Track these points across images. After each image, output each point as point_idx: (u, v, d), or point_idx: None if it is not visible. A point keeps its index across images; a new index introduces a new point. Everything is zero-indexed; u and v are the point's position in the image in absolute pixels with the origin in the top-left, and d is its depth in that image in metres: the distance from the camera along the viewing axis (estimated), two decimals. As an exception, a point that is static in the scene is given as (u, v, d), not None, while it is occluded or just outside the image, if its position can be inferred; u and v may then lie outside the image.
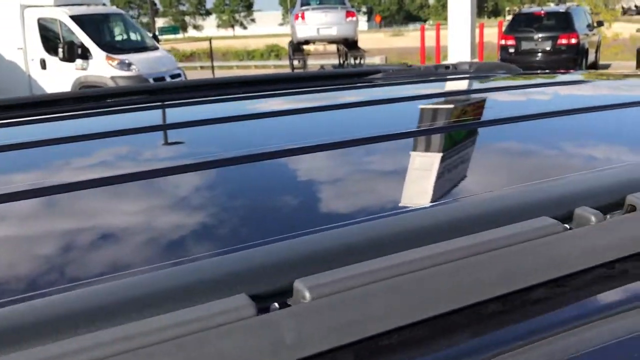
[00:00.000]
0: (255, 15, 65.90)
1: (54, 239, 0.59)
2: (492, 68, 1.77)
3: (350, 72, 1.71)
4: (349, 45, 16.15)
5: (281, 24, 59.94)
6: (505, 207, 0.50)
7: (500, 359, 0.35)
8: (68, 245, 0.57)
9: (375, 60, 22.52)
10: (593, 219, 0.48)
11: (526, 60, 13.48)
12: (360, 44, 15.96)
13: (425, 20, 63.44)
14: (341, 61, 16.67)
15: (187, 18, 63.26)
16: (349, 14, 15.99)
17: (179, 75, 11.20)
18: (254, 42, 32.05)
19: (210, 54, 19.19)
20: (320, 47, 17.90)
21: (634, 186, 0.53)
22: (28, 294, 0.46)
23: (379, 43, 38.59)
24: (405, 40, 31.70)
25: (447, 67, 1.72)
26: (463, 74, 1.69)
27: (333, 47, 17.32)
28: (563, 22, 13.68)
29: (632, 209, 0.49)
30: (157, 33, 16.04)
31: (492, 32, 17.08)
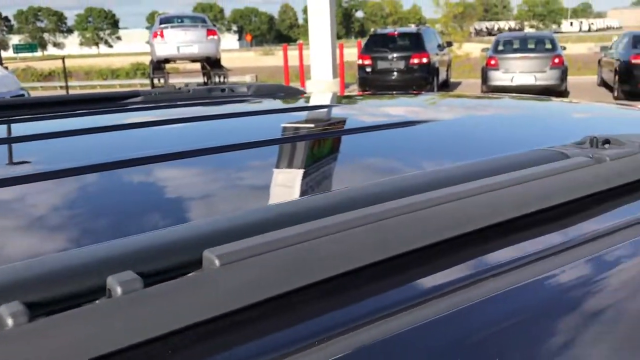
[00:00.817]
0: (121, 32, 63.69)
1: None
2: (271, 90, 1.72)
3: (107, 95, 1.59)
4: (212, 63, 15.99)
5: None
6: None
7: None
8: None
9: (246, 78, 22.62)
10: None
11: (383, 79, 14.06)
12: (231, 63, 15.91)
13: (295, 40, 64.87)
14: (205, 80, 16.45)
15: (46, 35, 59.77)
16: (210, 32, 15.85)
17: (22, 96, 10.43)
18: (120, 60, 30.94)
19: (64, 73, 18.12)
20: (182, 65, 17.64)
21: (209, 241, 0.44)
22: None
23: (250, 62, 38.85)
24: (276, 59, 32.00)
25: (222, 89, 1.64)
26: (239, 96, 1.63)
27: (196, 66, 17.07)
28: (415, 42, 14.44)
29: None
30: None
31: (354, 52, 17.66)
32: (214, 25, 17.80)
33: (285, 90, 1.73)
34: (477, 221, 0.50)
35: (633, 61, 12.58)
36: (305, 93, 1.72)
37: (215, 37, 16.02)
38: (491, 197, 0.52)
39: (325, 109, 1.50)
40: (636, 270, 0.50)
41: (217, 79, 15.48)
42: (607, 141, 0.70)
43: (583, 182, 0.59)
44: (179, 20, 16.31)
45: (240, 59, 41.66)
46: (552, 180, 0.57)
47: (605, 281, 0.48)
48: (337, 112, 1.51)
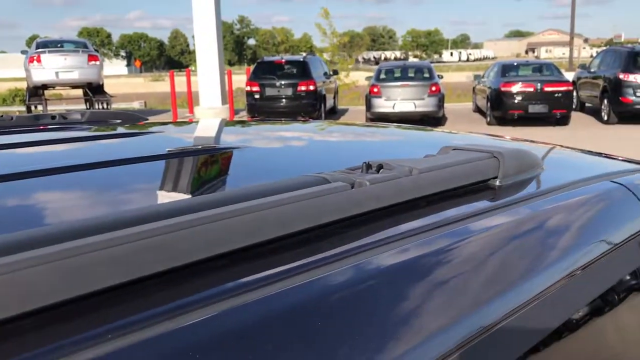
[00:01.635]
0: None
1: None
2: (107, 116, 1.67)
3: None
4: (94, 90, 15.40)
5: (29, 67, 55.07)
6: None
7: None
8: None
9: (134, 105, 21.98)
10: None
11: (271, 106, 14.19)
12: (119, 89, 15.37)
13: (187, 66, 63.91)
14: (87, 106, 15.77)
15: None
16: (91, 57, 15.29)
17: None
18: (-4, 85, 28.96)
19: None
20: (66, 91, 16.81)
21: None
22: None
23: (139, 88, 37.76)
24: (166, 85, 31.31)
25: (53, 116, 1.57)
26: (69, 123, 1.56)
27: (79, 92, 16.36)
28: (301, 70, 14.72)
29: None
30: None
31: (244, 79, 17.68)
32: (97, 51, 17.18)
33: (125, 117, 1.68)
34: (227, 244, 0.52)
35: (502, 89, 13.55)
36: (146, 120, 1.68)
37: (98, 62, 15.46)
38: (236, 221, 0.54)
39: (139, 136, 1.44)
40: (372, 284, 0.55)
41: (99, 106, 14.91)
42: (380, 166, 0.74)
43: (335, 206, 0.62)
44: (59, 45, 15.61)
45: (129, 84, 40.33)
46: (304, 204, 0.60)
47: (350, 295, 0.53)
48: (149, 139, 1.44)
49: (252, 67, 16.05)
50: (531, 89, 13.35)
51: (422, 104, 13.58)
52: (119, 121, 1.65)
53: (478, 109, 16.07)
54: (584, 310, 0.74)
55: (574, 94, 15.36)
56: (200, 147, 1.24)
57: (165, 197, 0.81)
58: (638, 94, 13.19)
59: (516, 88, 13.42)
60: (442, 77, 15.41)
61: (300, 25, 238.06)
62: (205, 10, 14.74)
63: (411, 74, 14.67)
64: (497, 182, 0.81)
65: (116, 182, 0.89)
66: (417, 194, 0.70)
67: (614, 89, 13.58)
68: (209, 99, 15.43)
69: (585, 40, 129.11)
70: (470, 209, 0.73)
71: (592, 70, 15.42)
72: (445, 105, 14.72)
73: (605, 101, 13.96)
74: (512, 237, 0.71)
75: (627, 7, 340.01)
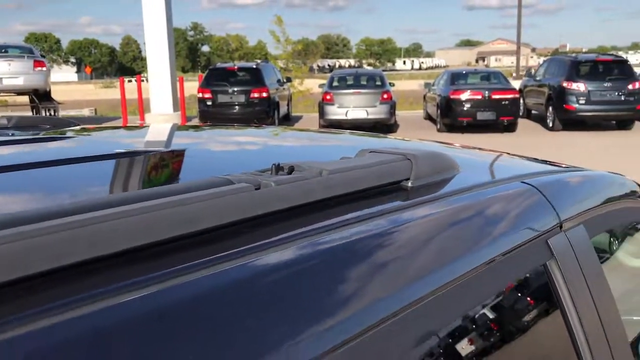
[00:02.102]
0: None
1: None
2: (36, 122, 1.64)
3: None
4: (40, 96, 14.99)
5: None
6: None
7: None
8: None
9: (84, 112, 21.50)
10: None
11: (223, 112, 14.10)
12: (68, 96, 14.97)
13: (139, 73, 62.87)
14: (34, 113, 15.33)
15: None
16: (37, 63, 14.88)
17: None
18: None
19: None
20: (12, 98, 16.30)
21: None
22: None
23: (89, 94, 36.97)
24: (117, 92, 30.75)
25: None
26: None
27: (26, 99, 15.89)
28: (254, 77, 14.70)
29: None
30: None
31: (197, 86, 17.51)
32: (43, 56, 16.72)
33: (55, 123, 1.64)
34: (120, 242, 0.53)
35: (452, 97, 13.84)
36: (78, 125, 1.65)
37: (44, 68, 15.06)
38: (145, 218, 0.55)
39: (64, 140, 1.41)
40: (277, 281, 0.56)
41: (45, 113, 14.51)
42: (292, 168, 0.76)
43: (238, 206, 0.63)
44: (3, 50, 15.13)
45: (79, 91, 39.41)
46: (206, 204, 0.61)
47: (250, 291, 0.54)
48: (71, 143, 1.41)
49: (204, 74, 15.92)
50: (479, 97, 13.67)
51: (374, 112, 13.74)
52: (47, 127, 1.62)
53: (429, 117, 16.34)
54: (488, 305, 0.77)
55: (521, 101, 15.81)
56: (124, 150, 1.23)
57: (67, 198, 0.81)
58: (581, 102, 13.67)
59: (465, 96, 13.73)
60: (393, 85, 15.63)
61: (255, 32, 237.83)
62: (156, 16, 14.57)
63: (363, 82, 14.83)
64: (409, 184, 0.84)
65: (20, 184, 0.88)
66: (326, 195, 0.72)
67: (558, 97, 14.04)
68: (160, 105, 15.23)
69: (533, 50, 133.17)
70: (379, 209, 0.75)
71: (537, 78, 15.91)
72: (398, 112, 14.92)
73: (550, 108, 14.41)
74: (418, 235, 0.74)
75: (572, 19, 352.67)
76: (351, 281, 0.61)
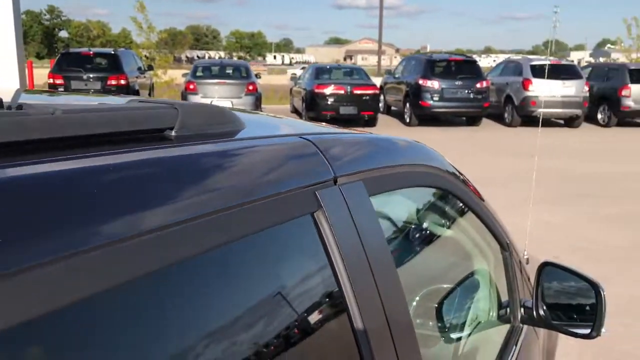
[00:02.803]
0: None
1: None
2: None
3: None
4: None
5: None
6: None
7: None
8: None
9: None
10: None
11: (76, 100, 13.27)
12: None
13: (-14, 57, 57.79)
14: None
15: None
16: None
17: None
18: None
19: None
20: None
21: None
22: None
23: None
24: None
25: None
26: None
27: None
28: (112, 63, 14.00)
29: None
30: None
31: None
32: None
33: None
34: None
35: (316, 90, 14.11)
36: None
37: None
38: None
39: None
40: None
41: None
42: (20, 106, 0.68)
43: None
44: None
45: None
46: None
47: None
48: None
49: (56, 59, 14.91)
50: (342, 92, 14.06)
51: (239, 102, 13.64)
52: None
53: (295, 110, 16.56)
54: (250, 246, 0.74)
55: (382, 97, 16.49)
56: None
57: None
58: (435, 99, 14.52)
59: (328, 90, 14.05)
60: (259, 76, 15.61)
61: (119, 20, 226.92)
62: (-1, -7, 13.38)
63: (228, 72, 14.67)
64: (174, 133, 0.79)
65: None
66: (54, 134, 0.65)
67: (414, 94, 14.80)
68: (8, 90, 14.04)
69: (397, 50, 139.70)
70: (132, 155, 0.69)
71: (396, 76, 16.67)
72: (266, 106, 14.95)
73: (407, 105, 15.17)
74: (181, 177, 0.69)
75: (432, 22, 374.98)
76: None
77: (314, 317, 0.85)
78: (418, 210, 1.63)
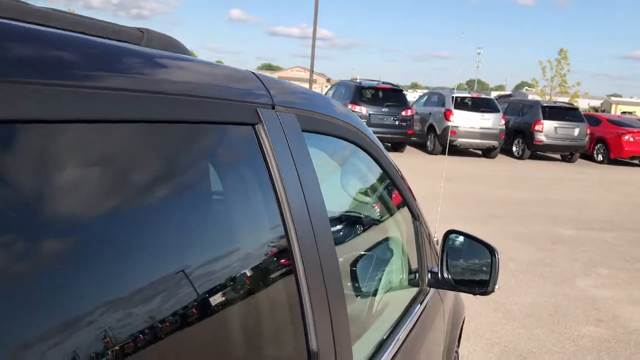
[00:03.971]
0: None
1: None
2: None
3: None
4: None
5: None
6: None
7: None
8: None
9: None
10: None
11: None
12: None
13: None
14: None
15: None
16: None
17: None
18: None
19: None
20: None
21: None
22: None
23: None
24: None
25: None
26: None
27: None
28: None
29: None
30: None
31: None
32: None
33: None
34: None
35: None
36: None
37: None
38: None
39: None
40: None
41: None
42: None
43: None
44: None
45: None
46: None
47: None
48: None
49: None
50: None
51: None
52: None
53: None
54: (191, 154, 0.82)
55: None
56: None
57: None
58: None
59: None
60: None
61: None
62: None
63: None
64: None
65: None
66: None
67: (343, 118, 15.14)
68: None
69: (328, 80, 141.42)
70: (107, 44, 0.74)
71: (326, 100, 16.98)
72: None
73: (336, 128, 15.46)
74: None
75: (363, 55, 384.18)
76: None
77: (249, 219, 0.92)
78: (343, 167, 1.77)
